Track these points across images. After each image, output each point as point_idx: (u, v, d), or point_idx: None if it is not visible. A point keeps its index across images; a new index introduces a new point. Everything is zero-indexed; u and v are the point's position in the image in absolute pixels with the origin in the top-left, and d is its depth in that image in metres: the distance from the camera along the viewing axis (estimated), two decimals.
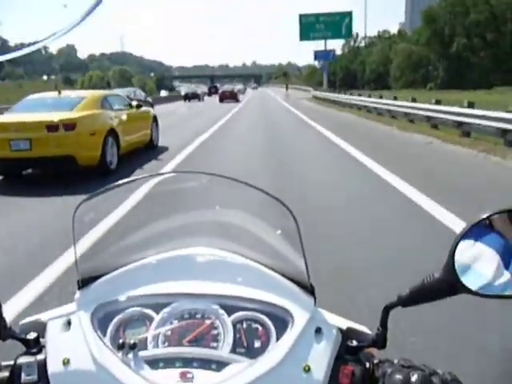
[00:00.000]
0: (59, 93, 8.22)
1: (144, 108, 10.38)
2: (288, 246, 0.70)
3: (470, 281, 0.55)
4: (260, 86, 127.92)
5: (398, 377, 0.56)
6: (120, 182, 0.72)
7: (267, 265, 0.72)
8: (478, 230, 0.56)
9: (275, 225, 0.74)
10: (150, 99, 26.01)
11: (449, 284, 0.56)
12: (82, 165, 7.03)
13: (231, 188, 0.73)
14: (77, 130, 6.90)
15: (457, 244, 0.56)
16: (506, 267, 0.55)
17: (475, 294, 0.56)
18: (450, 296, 0.58)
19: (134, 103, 9.71)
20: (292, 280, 0.69)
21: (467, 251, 0.56)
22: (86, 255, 0.72)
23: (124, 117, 8.47)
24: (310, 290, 0.68)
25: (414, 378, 0.55)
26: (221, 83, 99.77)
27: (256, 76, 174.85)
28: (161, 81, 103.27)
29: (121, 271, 0.71)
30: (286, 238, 0.72)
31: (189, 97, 41.35)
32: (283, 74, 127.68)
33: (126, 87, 27.96)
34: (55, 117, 6.87)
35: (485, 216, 0.55)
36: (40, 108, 7.47)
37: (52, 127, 6.75)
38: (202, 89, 60.77)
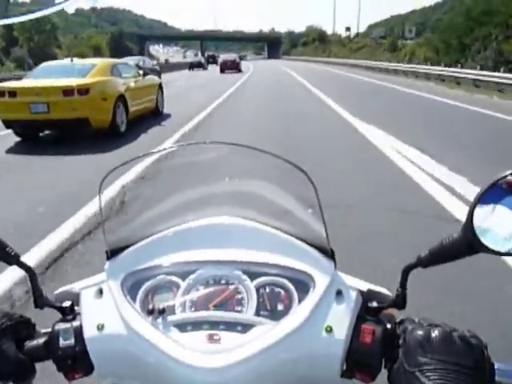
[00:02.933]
0: (71, 60, 8.88)
1: (150, 76, 10.97)
2: (307, 213, 0.73)
3: (489, 240, 0.56)
4: (279, 58, 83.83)
5: (419, 333, 0.57)
6: (141, 154, 0.76)
7: (287, 231, 0.74)
8: (495, 191, 0.56)
9: (294, 191, 0.76)
10: (157, 68, 26.53)
11: (468, 244, 0.57)
12: (95, 127, 7.73)
13: (248, 156, 0.75)
14: (90, 95, 7.57)
15: (475, 205, 0.56)
16: None
17: (494, 252, 0.56)
18: (470, 255, 0.59)
19: (141, 72, 10.32)
20: (312, 245, 0.71)
21: (485, 212, 0.56)
22: (112, 227, 0.76)
23: (132, 84, 9.11)
24: (329, 254, 0.69)
25: (434, 333, 0.56)
26: (219, 51, 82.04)
27: (271, 40, 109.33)
28: (118, 41, 67.14)
29: (147, 241, 0.74)
30: (305, 204, 0.74)
31: (194, 65, 45.22)
32: (317, 39, 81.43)
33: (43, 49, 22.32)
34: (70, 82, 7.54)
35: (502, 175, 0.55)
36: (55, 74, 8.12)
37: (68, 92, 7.43)
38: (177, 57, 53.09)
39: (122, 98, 8.41)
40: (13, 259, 0.65)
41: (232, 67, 36.03)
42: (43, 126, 7.92)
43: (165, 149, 0.78)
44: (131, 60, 17.06)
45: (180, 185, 0.82)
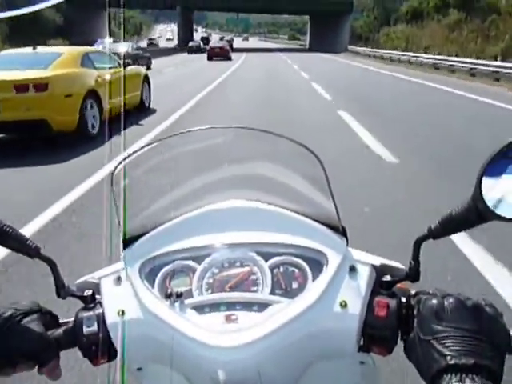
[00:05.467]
0: (34, 48, 7.44)
1: (133, 66, 9.60)
2: (316, 191, 0.72)
3: (499, 207, 0.56)
4: (339, 51, 41.05)
5: (433, 302, 0.57)
6: (153, 141, 0.77)
7: (298, 211, 0.75)
8: (501, 159, 0.55)
9: (302, 171, 0.76)
10: (147, 54, 24.67)
11: (478, 212, 0.57)
12: (56, 129, 6.36)
13: (255, 138, 0.78)
14: (49, 91, 6.18)
15: (482, 173, 0.55)
16: None
17: (506, 219, 0.55)
18: (480, 224, 0.59)
19: (121, 61, 8.93)
20: (323, 223, 0.72)
21: (493, 180, 0.56)
22: (127, 217, 0.74)
23: (108, 76, 7.69)
24: (341, 231, 0.70)
25: (448, 302, 0.57)
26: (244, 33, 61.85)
27: (323, 9, 51.16)
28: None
29: (161, 228, 0.75)
30: (313, 183, 0.73)
31: (193, 50, 45.46)
32: (456, 5, 27.50)
33: None
34: (25, 76, 6.15)
35: (507, 143, 0.54)
36: (12, 65, 6.71)
37: (21, 87, 6.04)
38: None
39: (93, 94, 7.01)
40: (34, 252, 0.66)
41: (220, 54, 33.48)
42: None
43: (175, 135, 0.78)
44: (120, 46, 15.02)
45: (189, 171, 0.83)
